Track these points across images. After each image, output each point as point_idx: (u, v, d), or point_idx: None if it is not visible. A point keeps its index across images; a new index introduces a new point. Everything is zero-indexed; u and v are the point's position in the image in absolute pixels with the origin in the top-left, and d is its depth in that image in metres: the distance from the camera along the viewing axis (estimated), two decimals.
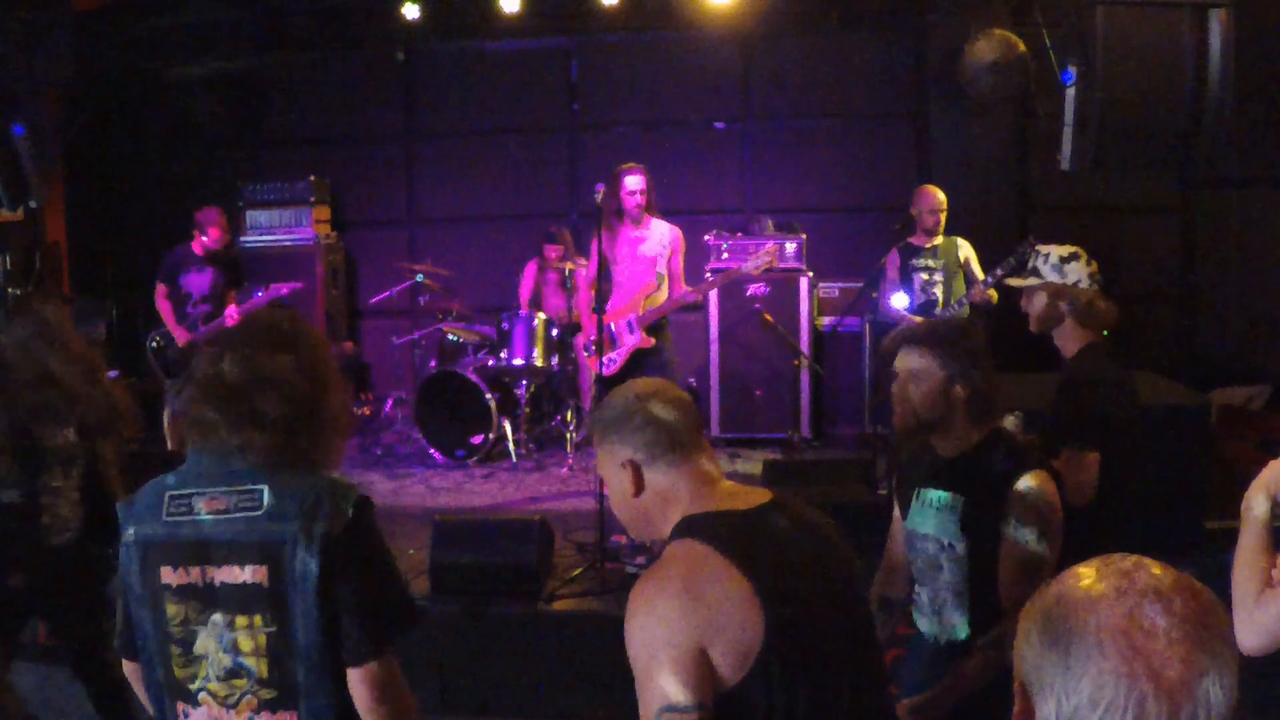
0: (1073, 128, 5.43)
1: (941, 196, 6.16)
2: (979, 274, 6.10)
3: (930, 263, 6.17)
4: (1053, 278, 3.09)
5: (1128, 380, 3.18)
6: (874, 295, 6.62)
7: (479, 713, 4.44)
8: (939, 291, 6.15)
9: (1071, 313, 3.10)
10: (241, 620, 1.84)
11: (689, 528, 1.78)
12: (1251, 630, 1.85)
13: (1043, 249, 3.15)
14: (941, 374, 2.46)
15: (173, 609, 1.88)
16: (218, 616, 1.86)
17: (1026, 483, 2.37)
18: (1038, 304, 3.15)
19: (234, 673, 1.86)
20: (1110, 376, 3.09)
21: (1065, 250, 3.12)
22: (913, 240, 6.25)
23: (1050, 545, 2.35)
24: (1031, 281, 3.12)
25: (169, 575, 1.88)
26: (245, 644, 1.85)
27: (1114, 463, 2.98)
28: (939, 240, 6.18)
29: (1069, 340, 3.15)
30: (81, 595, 3.67)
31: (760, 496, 1.88)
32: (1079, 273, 3.06)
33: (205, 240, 6.50)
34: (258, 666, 1.85)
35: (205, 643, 1.87)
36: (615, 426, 1.90)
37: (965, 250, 6.21)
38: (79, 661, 3.72)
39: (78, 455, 3.52)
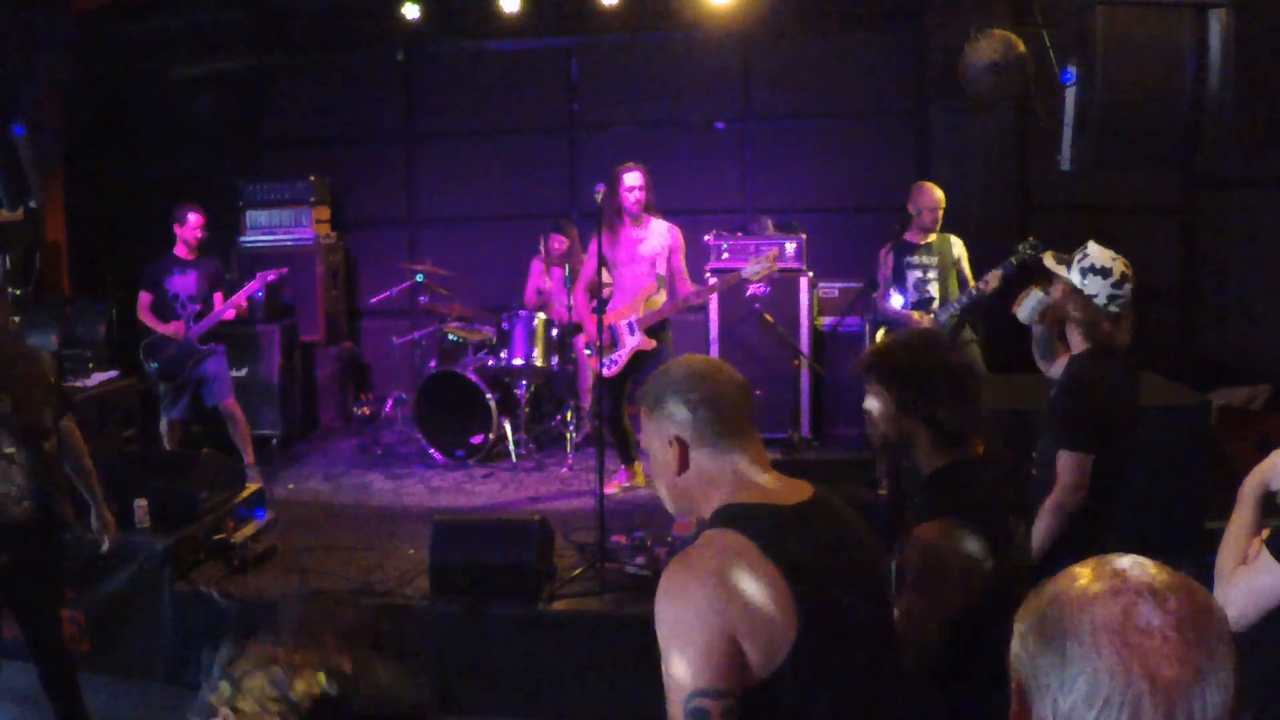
0: (1073, 128, 5.42)
1: (940, 194, 6.15)
2: (969, 275, 6.11)
3: (925, 260, 6.16)
4: (1074, 279, 3.09)
5: (1128, 383, 3.17)
6: (874, 295, 6.62)
7: (479, 713, 4.44)
8: (934, 289, 6.15)
9: (1078, 321, 3.13)
10: None
11: (729, 517, 1.76)
12: (1224, 602, 1.95)
13: (1093, 250, 3.10)
14: (891, 402, 2.36)
15: None
16: None
17: (922, 530, 2.19)
18: (1053, 293, 3.21)
19: None
20: (1110, 379, 3.08)
21: (1104, 260, 3.07)
22: (908, 237, 6.24)
23: (923, 595, 2.11)
24: (1060, 272, 3.14)
25: None
26: None
27: (1109, 464, 2.99)
28: (933, 238, 6.18)
29: (1074, 340, 3.18)
30: (41, 572, 3.67)
31: (803, 492, 1.85)
32: (1099, 287, 3.05)
33: (183, 233, 6.38)
34: None
35: None
36: (667, 401, 1.86)
37: (958, 249, 6.21)
38: (35, 641, 3.71)
39: (10, 420, 3.54)
